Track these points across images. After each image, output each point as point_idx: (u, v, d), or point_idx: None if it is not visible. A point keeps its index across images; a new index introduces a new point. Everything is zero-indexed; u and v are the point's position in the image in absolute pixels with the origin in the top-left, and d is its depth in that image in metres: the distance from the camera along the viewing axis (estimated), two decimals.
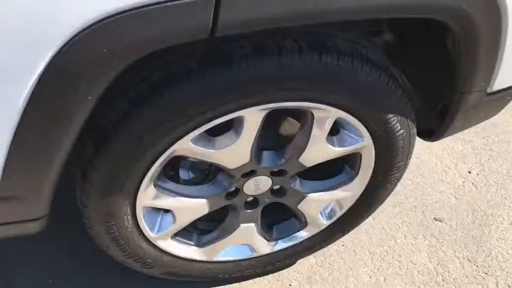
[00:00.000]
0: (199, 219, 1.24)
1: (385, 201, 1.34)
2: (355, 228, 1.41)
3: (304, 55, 0.91)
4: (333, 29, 0.94)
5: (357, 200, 1.28)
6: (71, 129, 0.82)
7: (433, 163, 1.82)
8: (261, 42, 0.89)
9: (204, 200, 1.12)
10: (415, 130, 1.16)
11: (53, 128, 0.81)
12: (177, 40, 0.74)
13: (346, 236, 1.47)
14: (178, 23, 0.72)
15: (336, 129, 1.10)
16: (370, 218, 1.43)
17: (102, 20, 0.68)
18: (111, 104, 0.92)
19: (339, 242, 1.51)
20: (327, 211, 1.30)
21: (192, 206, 1.12)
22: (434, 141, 1.29)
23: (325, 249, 1.47)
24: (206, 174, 1.15)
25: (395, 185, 1.28)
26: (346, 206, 1.29)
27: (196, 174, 1.15)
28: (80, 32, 0.69)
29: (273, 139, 1.11)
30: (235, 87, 0.89)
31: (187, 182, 1.15)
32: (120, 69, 0.75)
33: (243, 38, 0.88)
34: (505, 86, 1.14)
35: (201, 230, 1.28)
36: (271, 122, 1.06)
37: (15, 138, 0.81)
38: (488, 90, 1.11)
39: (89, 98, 0.77)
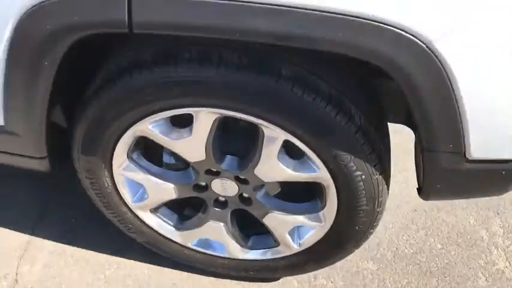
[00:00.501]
0: (186, 204, 1.37)
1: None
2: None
3: (243, 70, 0.97)
4: (286, 51, 0.97)
5: (327, 235, 1.26)
6: (41, 85, 1.03)
7: (478, 236, 1.64)
8: (205, 51, 0.98)
9: (171, 185, 1.25)
10: (380, 176, 1.11)
11: (27, 81, 1.03)
12: (97, 29, 0.89)
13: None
14: (97, 14, 0.87)
15: (301, 153, 1.12)
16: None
17: (41, 2, 0.87)
18: (91, 78, 1.11)
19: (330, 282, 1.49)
20: (297, 235, 1.31)
21: (160, 188, 1.25)
22: (424, 199, 1.20)
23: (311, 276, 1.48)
24: (186, 163, 1.27)
25: (369, 229, 1.23)
26: (316, 237, 1.28)
27: (178, 162, 1.28)
28: (28, 9, 0.89)
29: (237, 145, 1.18)
30: (176, 86, 1.00)
31: (169, 167, 1.29)
32: (65, 46, 0.93)
33: (190, 43, 0.99)
34: (489, 157, 1.03)
35: (184, 216, 1.40)
36: (238, 129, 1.14)
37: (5, 85, 1.05)
38: (468, 156, 1.02)
39: (46, 63, 0.97)
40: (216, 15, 0.87)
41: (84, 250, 1.56)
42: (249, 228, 1.37)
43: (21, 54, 0.98)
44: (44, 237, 1.59)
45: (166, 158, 1.28)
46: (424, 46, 0.83)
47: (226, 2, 0.85)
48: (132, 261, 1.53)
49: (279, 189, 1.25)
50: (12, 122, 1.14)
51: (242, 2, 0.85)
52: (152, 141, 1.16)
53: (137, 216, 1.35)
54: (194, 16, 0.88)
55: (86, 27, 0.90)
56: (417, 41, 0.82)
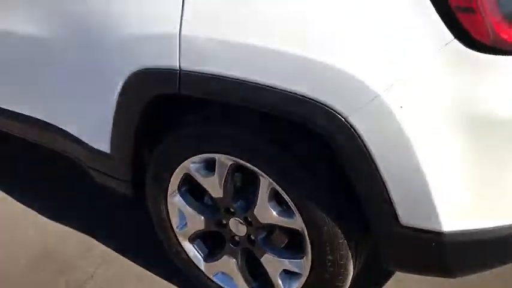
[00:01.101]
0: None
1: None
2: None
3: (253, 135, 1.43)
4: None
5: (306, 284, 1.54)
6: (131, 125, 1.60)
7: None
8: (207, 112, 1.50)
9: (202, 218, 1.68)
10: (339, 230, 1.39)
11: (124, 121, 1.62)
12: (160, 91, 1.46)
13: None
14: (158, 84, 1.44)
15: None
16: None
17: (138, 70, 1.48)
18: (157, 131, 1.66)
19: None
20: (288, 283, 1.60)
21: (194, 218, 1.69)
22: (387, 268, 1.44)
23: None
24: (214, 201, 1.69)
25: (338, 282, 1.48)
26: (299, 284, 1.56)
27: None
28: (131, 73, 1.50)
29: (247, 190, 1.58)
30: (208, 138, 1.51)
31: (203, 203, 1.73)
32: (144, 100, 1.51)
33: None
34: (416, 225, 1.27)
35: (212, 251, 1.79)
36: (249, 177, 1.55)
37: (113, 122, 1.66)
38: (401, 222, 1.28)
39: (135, 109, 1.55)
40: (239, 90, 1.35)
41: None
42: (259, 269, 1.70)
43: (123, 101, 1.59)
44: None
45: (207, 200, 1.73)
46: (343, 120, 1.20)
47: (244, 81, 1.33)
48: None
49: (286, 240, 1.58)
50: (112, 148, 1.73)
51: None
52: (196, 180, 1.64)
53: (179, 242, 1.79)
54: (220, 88, 1.38)
55: (153, 91, 1.48)
56: (337, 114, 1.20)
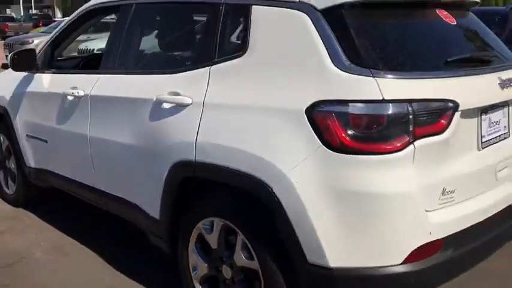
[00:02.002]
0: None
1: None
2: None
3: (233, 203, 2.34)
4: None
5: None
6: (170, 201, 2.58)
7: None
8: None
9: (206, 265, 2.51)
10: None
11: (167, 197, 2.60)
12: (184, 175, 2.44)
13: None
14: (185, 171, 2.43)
15: None
16: None
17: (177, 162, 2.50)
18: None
19: None
20: None
21: (201, 264, 2.53)
22: None
23: None
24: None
25: None
26: None
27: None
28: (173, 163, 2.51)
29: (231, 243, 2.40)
30: (203, 207, 2.43)
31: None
32: (176, 182, 2.50)
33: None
34: (318, 263, 2.01)
35: None
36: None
37: (161, 200, 2.64)
38: (308, 261, 2.04)
39: (174, 191, 2.53)
40: (222, 171, 2.30)
41: None
42: None
43: (167, 182, 2.58)
44: None
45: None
46: (270, 189, 2.06)
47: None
48: None
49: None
50: (161, 216, 2.69)
51: None
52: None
53: (194, 284, 2.61)
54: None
55: (182, 174, 2.47)
56: (267, 186, 2.07)
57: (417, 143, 1.94)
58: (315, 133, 1.97)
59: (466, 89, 2.12)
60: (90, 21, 3.64)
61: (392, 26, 2.20)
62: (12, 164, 4.23)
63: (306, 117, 2.00)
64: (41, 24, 24.07)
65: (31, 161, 3.87)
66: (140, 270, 3.13)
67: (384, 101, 1.91)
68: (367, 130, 1.94)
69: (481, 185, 2.26)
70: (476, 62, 2.32)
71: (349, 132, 1.94)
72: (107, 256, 3.34)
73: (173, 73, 2.60)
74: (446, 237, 2.05)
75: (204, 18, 2.67)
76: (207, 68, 2.42)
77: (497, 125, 2.37)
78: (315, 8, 2.11)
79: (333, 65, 2.00)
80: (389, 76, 1.95)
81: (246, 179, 2.14)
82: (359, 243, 1.98)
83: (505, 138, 2.44)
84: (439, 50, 2.28)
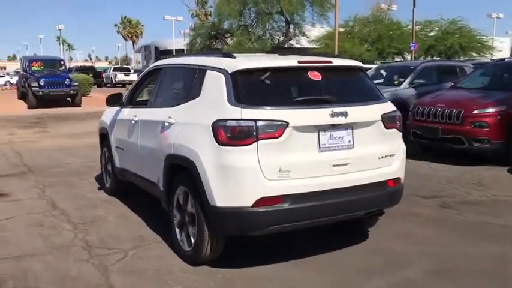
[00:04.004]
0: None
1: None
2: None
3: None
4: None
5: (196, 242, 4.13)
6: (166, 176, 4.60)
7: None
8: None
9: (179, 214, 4.45)
10: None
11: (164, 174, 4.63)
12: (171, 162, 4.46)
13: None
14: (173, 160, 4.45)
15: None
16: None
17: None
18: None
19: None
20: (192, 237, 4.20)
21: (176, 215, 4.47)
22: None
23: None
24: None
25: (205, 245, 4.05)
26: (194, 239, 4.15)
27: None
28: (166, 155, 4.55)
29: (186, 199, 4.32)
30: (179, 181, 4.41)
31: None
32: (168, 166, 4.51)
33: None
34: (215, 204, 3.86)
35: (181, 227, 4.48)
36: None
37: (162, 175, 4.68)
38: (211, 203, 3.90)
39: (166, 171, 4.56)
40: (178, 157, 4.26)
41: None
42: None
43: (164, 167, 4.60)
44: None
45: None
46: (194, 164, 3.96)
47: None
48: None
49: None
50: (163, 187, 4.70)
51: None
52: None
53: (175, 225, 4.54)
54: None
55: (171, 161, 4.49)
56: (193, 162, 3.97)
57: (260, 142, 3.73)
58: (213, 136, 3.86)
59: (298, 115, 3.84)
60: (151, 77, 5.91)
61: (262, 80, 4.00)
62: (109, 167, 6.61)
63: (211, 128, 3.90)
64: None
65: (117, 163, 6.19)
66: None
67: (241, 120, 3.75)
68: (234, 134, 3.78)
69: (317, 171, 3.91)
70: (316, 101, 4.02)
71: (227, 135, 3.79)
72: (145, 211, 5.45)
73: (170, 107, 4.69)
74: (283, 195, 3.76)
75: (187, 77, 4.71)
76: (183, 105, 4.45)
77: (340, 139, 4.01)
78: (227, 72, 4.03)
79: (227, 102, 3.89)
80: (248, 108, 3.79)
81: (187, 160, 4.09)
82: (230, 192, 3.79)
83: (348, 147, 4.05)
84: (291, 95, 4.05)
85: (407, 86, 11.12)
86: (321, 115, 3.94)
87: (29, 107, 20.10)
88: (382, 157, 4.21)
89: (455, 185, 7.07)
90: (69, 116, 17.77)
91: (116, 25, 77.62)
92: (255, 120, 3.74)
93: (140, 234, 5.07)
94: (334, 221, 4.20)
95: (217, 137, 3.83)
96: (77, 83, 20.81)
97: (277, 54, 4.93)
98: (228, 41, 29.36)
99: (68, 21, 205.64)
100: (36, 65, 21.49)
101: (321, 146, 3.96)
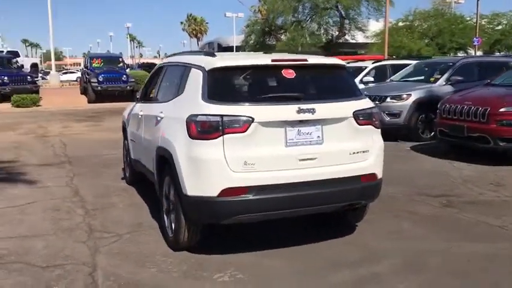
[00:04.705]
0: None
1: None
2: None
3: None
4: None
5: (174, 229, 4.44)
6: (156, 166, 4.94)
7: None
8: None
9: (165, 202, 4.77)
10: None
11: (156, 163, 4.97)
12: (161, 154, 4.80)
13: None
14: (162, 152, 4.78)
15: None
16: None
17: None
18: None
19: None
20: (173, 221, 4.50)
21: (164, 203, 4.80)
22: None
23: None
24: None
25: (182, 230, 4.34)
26: (175, 225, 4.45)
27: None
28: (156, 147, 4.89)
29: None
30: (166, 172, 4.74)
31: None
32: (158, 157, 4.84)
33: None
34: (188, 193, 4.13)
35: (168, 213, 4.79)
36: None
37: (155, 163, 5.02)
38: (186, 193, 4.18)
39: (157, 163, 4.90)
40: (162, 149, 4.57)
41: None
42: None
43: (155, 157, 4.95)
44: None
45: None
46: (171, 155, 4.25)
47: None
48: None
49: None
50: (156, 173, 5.05)
51: None
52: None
53: (164, 212, 4.87)
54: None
55: (160, 153, 4.83)
56: (171, 153, 4.26)
57: (226, 136, 3.96)
58: (186, 129, 4.13)
59: (264, 111, 4.02)
60: (157, 74, 6.27)
61: (236, 78, 4.22)
62: (128, 158, 7.07)
63: (185, 122, 4.17)
64: None
65: (132, 155, 6.63)
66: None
67: (209, 115, 4.00)
68: (203, 128, 4.03)
69: (282, 164, 4.08)
70: (284, 98, 4.18)
71: (197, 129, 4.05)
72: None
73: (162, 103, 5.03)
74: (248, 186, 3.97)
75: (179, 74, 5.00)
76: (172, 100, 4.77)
77: (308, 135, 4.16)
78: (205, 70, 4.29)
79: (201, 98, 4.15)
80: (217, 104, 4.03)
81: (167, 152, 4.40)
82: (199, 183, 4.05)
83: (317, 143, 4.19)
84: (260, 92, 4.23)
85: (444, 83, 10.83)
86: (287, 111, 4.10)
87: (89, 102, 21.35)
88: (354, 153, 4.30)
89: (470, 184, 6.93)
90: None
91: (181, 23, 79.71)
92: (222, 116, 3.97)
93: (140, 221, 5.44)
94: (304, 213, 4.35)
95: (189, 131, 4.10)
96: (133, 80, 21.81)
97: (261, 53, 5.12)
98: (281, 37, 29.55)
99: (137, 19, 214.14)
100: (97, 61, 22.77)
101: (288, 141, 4.12)
